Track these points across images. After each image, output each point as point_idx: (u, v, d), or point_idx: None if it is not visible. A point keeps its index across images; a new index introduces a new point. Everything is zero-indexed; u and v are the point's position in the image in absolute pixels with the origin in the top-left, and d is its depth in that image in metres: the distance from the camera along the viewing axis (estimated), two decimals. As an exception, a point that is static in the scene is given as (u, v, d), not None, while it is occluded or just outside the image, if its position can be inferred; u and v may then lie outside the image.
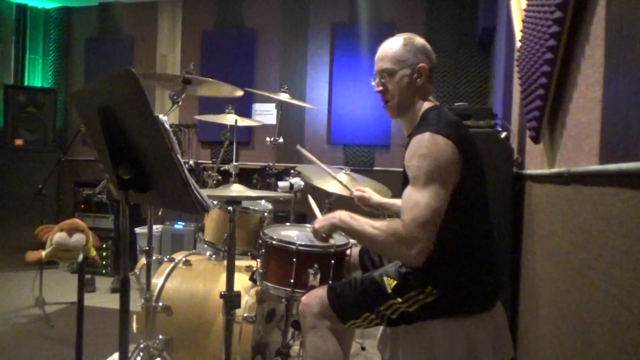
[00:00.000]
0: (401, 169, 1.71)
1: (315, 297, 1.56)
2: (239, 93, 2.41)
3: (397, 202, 1.93)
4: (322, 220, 1.56)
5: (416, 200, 1.33)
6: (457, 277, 1.40)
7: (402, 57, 1.54)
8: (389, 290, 1.45)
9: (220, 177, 2.65)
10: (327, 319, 1.53)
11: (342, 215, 1.50)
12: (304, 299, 1.59)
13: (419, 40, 1.58)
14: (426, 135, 1.37)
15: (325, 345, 1.53)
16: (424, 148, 1.36)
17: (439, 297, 1.40)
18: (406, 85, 1.54)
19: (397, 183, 1.90)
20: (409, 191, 1.38)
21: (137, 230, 4.12)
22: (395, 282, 1.46)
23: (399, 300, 1.43)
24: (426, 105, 1.55)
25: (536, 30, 1.52)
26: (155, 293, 2.13)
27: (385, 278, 1.48)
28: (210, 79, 2.23)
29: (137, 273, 2.21)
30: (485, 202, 1.50)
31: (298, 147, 2.20)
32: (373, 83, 1.62)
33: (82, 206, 4.50)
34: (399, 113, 1.59)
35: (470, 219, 1.44)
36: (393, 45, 1.57)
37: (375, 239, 1.39)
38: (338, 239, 1.85)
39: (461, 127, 1.47)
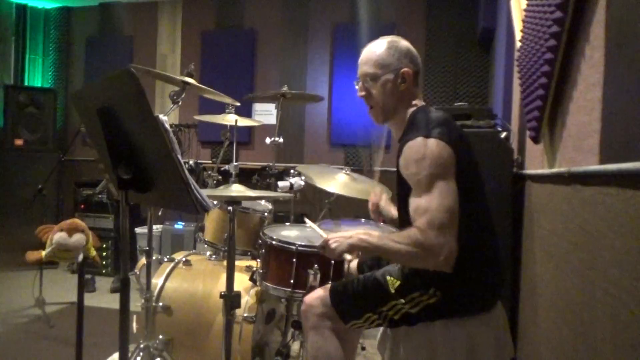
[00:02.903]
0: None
1: (317, 297, 1.56)
2: (238, 104, 2.43)
3: None
4: (338, 239, 1.48)
5: (425, 205, 1.31)
6: (459, 278, 1.39)
7: (386, 61, 1.52)
8: (392, 291, 1.44)
9: (220, 177, 2.65)
10: (329, 320, 1.53)
11: (360, 235, 1.45)
12: (306, 299, 1.58)
13: (404, 44, 1.55)
14: (418, 140, 1.36)
15: (326, 346, 1.52)
16: (418, 153, 1.34)
17: (442, 299, 1.39)
18: (390, 91, 1.52)
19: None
20: (414, 200, 1.35)
21: (137, 230, 4.12)
22: (398, 283, 1.45)
23: (402, 301, 1.43)
24: (412, 108, 1.53)
25: (536, 30, 1.51)
26: (155, 293, 2.13)
27: (388, 278, 1.48)
28: (211, 90, 2.23)
29: (137, 273, 2.21)
30: (482, 199, 1.49)
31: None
32: (357, 87, 1.59)
33: (82, 206, 4.50)
34: (384, 118, 1.58)
35: (470, 220, 1.43)
36: (377, 49, 1.54)
37: (399, 253, 1.35)
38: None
39: (451, 125, 1.45)
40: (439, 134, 1.35)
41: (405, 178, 1.40)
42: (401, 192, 1.47)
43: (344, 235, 1.49)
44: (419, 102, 1.56)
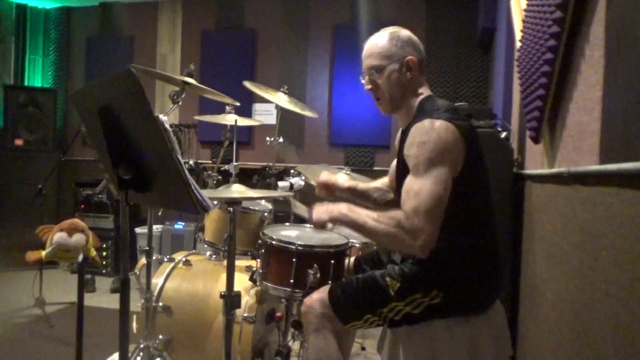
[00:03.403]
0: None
1: (317, 299, 1.55)
2: (238, 104, 2.43)
3: (375, 184, 1.90)
4: (321, 211, 1.50)
5: (418, 188, 1.30)
6: (462, 278, 1.39)
7: (389, 51, 1.51)
8: (392, 293, 1.43)
9: (220, 177, 2.65)
10: (329, 320, 1.52)
11: (342, 209, 1.45)
12: (306, 301, 1.58)
13: (405, 33, 1.54)
14: (425, 122, 1.34)
15: (328, 348, 1.52)
16: (423, 135, 1.33)
17: (444, 299, 1.38)
18: (396, 80, 1.51)
19: (397, 183, 1.89)
20: (409, 180, 1.34)
21: (137, 230, 4.12)
22: (398, 285, 1.43)
23: (402, 303, 1.42)
24: (421, 96, 1.53)
25: (536, 30, 1.51)
26: (155, 293, 2.13)
27: (388, 279, 1.46)
28: (211, 90, 2.23)
29: (137, 273, 2.20)
30: (488, 198, 1.49)
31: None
32: (363, 81, 1.59)
33: (82, 206, 4.50)
34: (392, 109, 1.57)
35: (472, 216, 1.42)
36: (379, 41, 1.53)
37: (378, 232, 1.35)
38: (337, 239, 1.85)
39: (459, 113, 1.44)
40: (447, 118, 1.34)
41: (406, 160, 1.39)
42: (402, 178, 1.45)
43: (327, 207, 1.50)
44: (425, 91, 1.55)
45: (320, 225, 1.52)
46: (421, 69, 1.55)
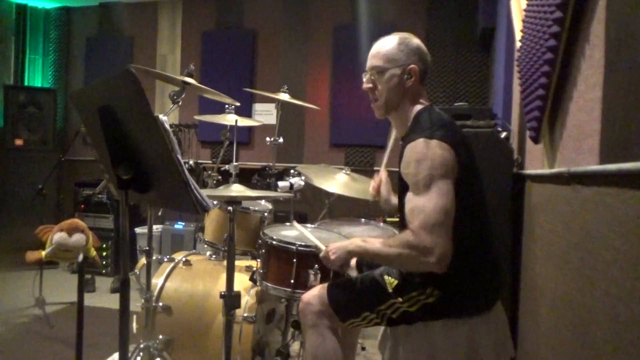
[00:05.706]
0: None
1: (315, 295, 1.56)
2: (238, 104, 2.43)
3: None
4: (336, 250, 1.53)
5: (421, 205, 1.31)
6: (457, 278, 1.39)
7: (394, 56, 1.52)
8: (390, 290, 1.45)
9: (220, 177, 2.65)
10: (327, 318, 1.53)
11: (355, 242, 1.49)
12: (304, 297, 1.59)
13: (415, 41, 1.55)
14: (420, 142, 1.36)
15: (325, 344, 1.52)
16: (419, 154, 1.35)
17: (440, 298, 1.39)
18: (395, 85, 1.52)
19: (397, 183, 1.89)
20: (411, 199, 1.36)
21: (137, 230, 4.12)
22: (396, 282, 1.45)
23: (400, 300, 1.43)
24: (418, 107, 1.54)
25: (536, 30, 1.51)
26: (155, 293, 2.13)
27: (386, 277, 1.48)
28: (211, 90, 2.23)
29: (137, 273, 2.21)
30: (482, 201, 1.50)
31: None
32: (364, 79, 1.60)
33: (82, 206, 4.50)
34: (385, 112, 1.58)
35: (469, 219, 1.43)
36: (387, 44, 1.55)
37: (392, 257, 1.37)
38: (338, 239, 1.85)
39: (454, 127, 1.46)
40: (441, 136, 1.36)
41: (404, 178, 1.41)
42: (402, 192, 1.47)
43: (342, 244, 1.52)
44: (424, 101, 1.56)
45: (336, 265, 1.55)
46: (422, 80, 1.56)
